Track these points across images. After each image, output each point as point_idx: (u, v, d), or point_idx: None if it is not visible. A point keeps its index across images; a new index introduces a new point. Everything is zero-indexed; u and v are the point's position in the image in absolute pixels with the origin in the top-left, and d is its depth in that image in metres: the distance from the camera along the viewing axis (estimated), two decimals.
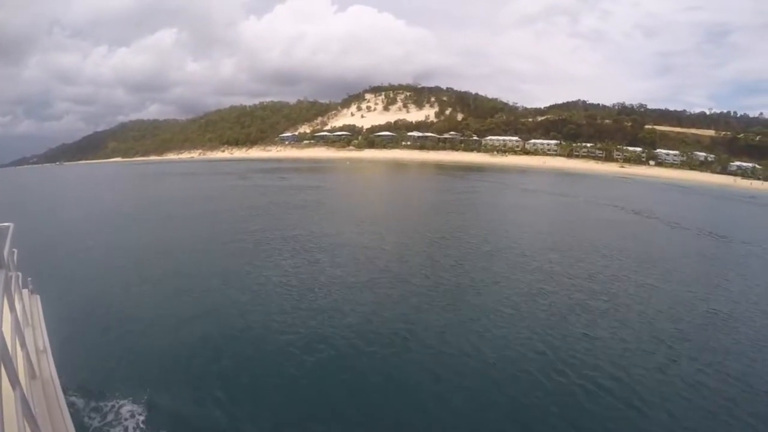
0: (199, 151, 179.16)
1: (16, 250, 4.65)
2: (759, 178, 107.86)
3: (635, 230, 25.15)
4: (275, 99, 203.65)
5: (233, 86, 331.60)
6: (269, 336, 10.06)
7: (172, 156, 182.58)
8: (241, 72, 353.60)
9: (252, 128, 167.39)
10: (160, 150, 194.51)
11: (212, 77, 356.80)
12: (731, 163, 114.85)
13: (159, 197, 40.76)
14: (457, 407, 7.54)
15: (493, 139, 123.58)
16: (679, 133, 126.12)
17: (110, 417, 7.16)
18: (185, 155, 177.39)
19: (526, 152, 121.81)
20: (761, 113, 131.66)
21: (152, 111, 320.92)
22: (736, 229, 28.19)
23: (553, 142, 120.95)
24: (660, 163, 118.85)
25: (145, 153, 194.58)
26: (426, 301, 12.44)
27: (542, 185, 58.94)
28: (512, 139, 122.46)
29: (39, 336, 4.43)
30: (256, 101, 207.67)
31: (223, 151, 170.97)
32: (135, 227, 23.35)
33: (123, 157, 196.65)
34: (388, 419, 7.28)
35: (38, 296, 5.43)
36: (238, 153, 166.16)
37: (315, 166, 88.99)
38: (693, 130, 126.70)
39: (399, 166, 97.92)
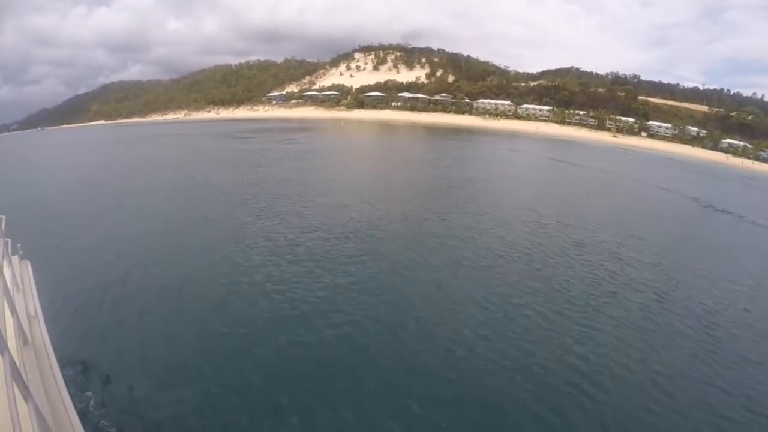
0: (185, 111, 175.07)
1: (4, 217, 4.82)
2: (749, 157, 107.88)
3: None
4: (261, 58, 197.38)
5: (217, 45, 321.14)
6: (262, 306, 9.86)
7: (156, 117, 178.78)
8: (225, 30, 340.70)
9: (238, 87, 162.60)
10: (144, 111, 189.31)
11: (195, 36, 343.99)
12: (722, 140, 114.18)
13: (146, 162, 38.84)
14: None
15: (485, 102, 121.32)
16: (672, 106, 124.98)
17: (105, 383, 7.13)
18: (170, 116, 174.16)
19: (518, 117, 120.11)
20: (755, 93, 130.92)
21: (134, 72, 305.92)
22: None
23: (546, 108, 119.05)
24: (652, 135, 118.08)
25: (129, 115, 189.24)
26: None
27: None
28: (504, 103, 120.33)
29: (30, 302, 4.39)
30: (242, 60, 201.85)
31: (209, 111, 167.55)
32: (122, 193, 22.59)
33: (106, 120, 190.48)
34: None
35: (28, 262, 5.42)
36: (225, 113, 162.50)
37: (306, 126, 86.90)
38: (686, 105, 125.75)
39: (390, 127, 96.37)
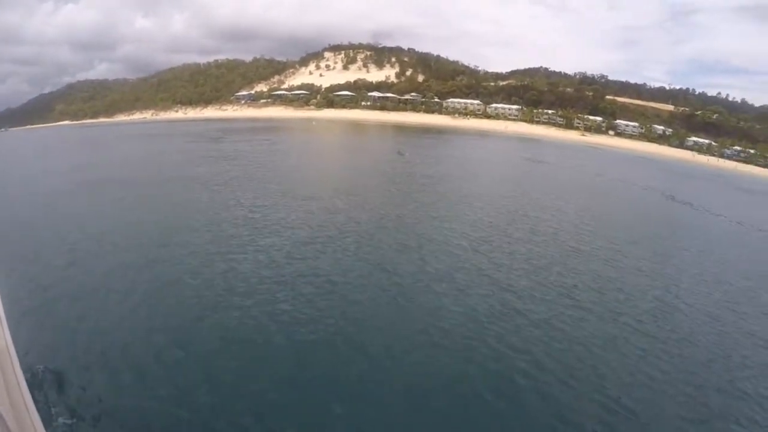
0: (152, 111, 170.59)
1: None
2: (714, 155, 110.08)
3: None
4: (230, 56, 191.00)
5: (185, 43, 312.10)
6: (227, 302, 10.01)
7: (123, 117, 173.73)
8: (193, 28, 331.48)
9: (206, 87, 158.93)
10: (111, 111, 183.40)
11: (162, 34, 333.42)
12: (688, 139, 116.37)
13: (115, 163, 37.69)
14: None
15: (454, 101, 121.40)
16: (638, 105, 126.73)
17: (69, 389, 7.10)
18: (137, 116, 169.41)
19: (488, 116, 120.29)
20: (719, 93, 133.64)
21: (100, 70, 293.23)
22: None
23: (515, 107, 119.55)
24: (619, 134, 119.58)
25: (95, 115, 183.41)
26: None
27: (536, 154, 58.12)
28: (474, 103, 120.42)
29: None
30: (210, 59, 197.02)
31: (177, 111, 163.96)
32: (88, 195, 22.24)
33: (72, 120, 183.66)
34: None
35: None
36: (192, 113, 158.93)
37: (275, 126, 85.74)
38: (652, 104, 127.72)
39: (361, 126, 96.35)
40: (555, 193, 27.42)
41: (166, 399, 6.95)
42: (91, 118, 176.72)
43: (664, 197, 32.03)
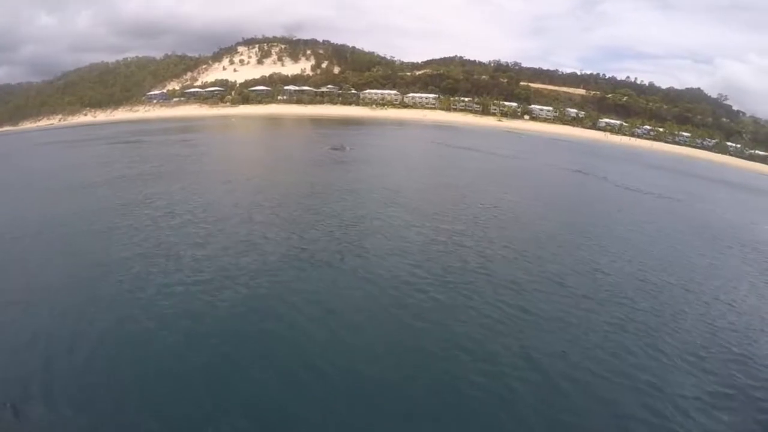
0: (59, 116, 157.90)
1: None
2: (626, 134, 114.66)
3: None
4: (139, 54, 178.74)
5: (91, 41, 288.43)
6: (182, 312, 9.72)
7: (29, 124, 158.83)
8: (100, 25, 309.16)
9: (116, 87, 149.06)
10: (15, 118, 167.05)
11: (68, 32, 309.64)
12: (600, 120, 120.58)
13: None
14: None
15: (371, 92, 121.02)
16: (551, 90, 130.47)
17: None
18: (44, 122, 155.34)
19: (405, 105, 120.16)
20: (628, 76, 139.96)
21: (1, 74, 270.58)
22: None
23: (432, 95, 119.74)
24: (534, 118, 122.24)
25: None
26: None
27: (453, 140, 59.13)
28: (391, 93, 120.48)
29: None
30: (119, 57, 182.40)
31: (86, 115, 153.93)
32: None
33: None
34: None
35: None
36: (102, 116, 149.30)
37: (191, 126, 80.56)
38: (565, 89, 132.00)
39: (278, 121, 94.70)
40: (474, 178, 28.76)
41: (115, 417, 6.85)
42: None
43: (573, 172, 36.30)
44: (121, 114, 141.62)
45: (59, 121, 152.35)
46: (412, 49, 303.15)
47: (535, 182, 30.67)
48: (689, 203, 28.99)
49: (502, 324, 9.58)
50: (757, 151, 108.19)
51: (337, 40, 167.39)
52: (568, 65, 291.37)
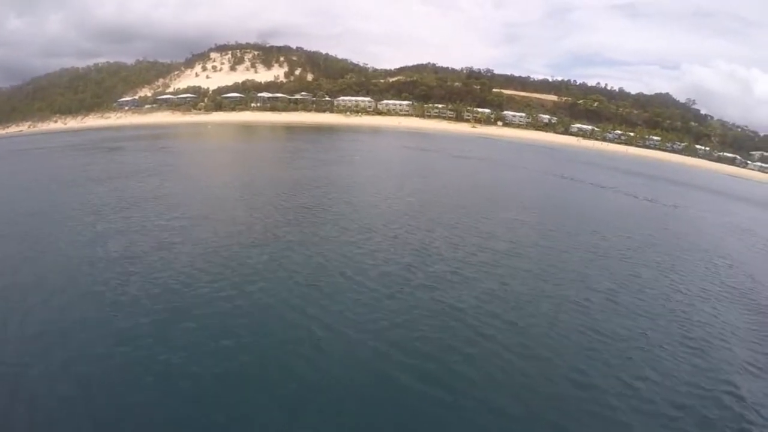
0: (29, 123, 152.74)
1: None
2: (597, 139, 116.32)
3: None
4: (110, 59, 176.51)
5: (62, 46, 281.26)
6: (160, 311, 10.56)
7: None
8: (70, 29, 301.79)
9: (87, 93, 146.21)
10: None
11: (38, 36, 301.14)
12: (572, 125, 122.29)
13: None
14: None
15: (345, 99, 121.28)
16: (524, 97, 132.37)
17: None
18: (13, 129, 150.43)
19: (379, 112, 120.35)
20: (598, 82, 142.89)
21: None
22: None
23: (406, 102, 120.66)
24: (507, 124, 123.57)
25: None
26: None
27: (429, 145, 61.93)
28: (365, 100, 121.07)
29: None
30: (90, 62, 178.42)
31: (56, 122, 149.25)
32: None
33: None
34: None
35: None
36: (73, 122, 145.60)
37: (164, 133, 79.12)
38: (537, 95, 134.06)
39: (252, 129, 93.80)
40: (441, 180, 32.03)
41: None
42: None
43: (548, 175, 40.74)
44: (93, 121, 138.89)
45: (29, 127, 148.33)
46: (385, 56, 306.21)
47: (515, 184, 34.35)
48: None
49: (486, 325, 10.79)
50: (725, 153, 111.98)
51: (310, 47, 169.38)
52: (539, 72, 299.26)
